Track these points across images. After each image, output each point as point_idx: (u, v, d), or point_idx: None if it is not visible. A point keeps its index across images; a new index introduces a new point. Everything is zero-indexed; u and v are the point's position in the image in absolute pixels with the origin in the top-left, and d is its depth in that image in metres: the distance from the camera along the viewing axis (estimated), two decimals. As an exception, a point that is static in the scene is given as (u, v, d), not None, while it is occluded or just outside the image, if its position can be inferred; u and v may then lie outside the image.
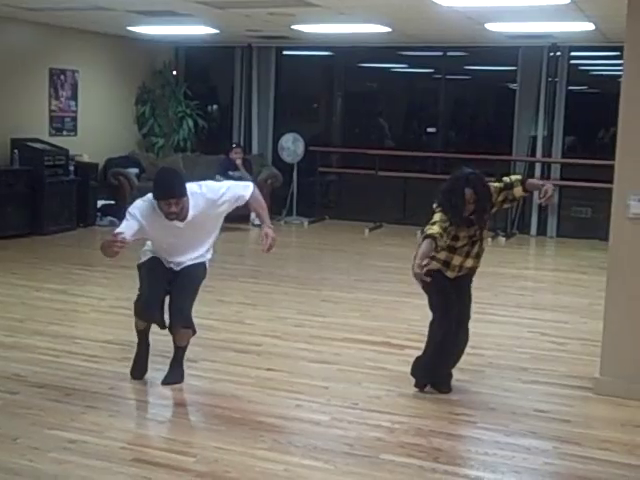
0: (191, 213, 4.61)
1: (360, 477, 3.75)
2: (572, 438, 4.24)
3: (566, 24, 8.83)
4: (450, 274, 4.72)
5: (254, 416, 4.41)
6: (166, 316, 4.77)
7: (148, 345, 4.93)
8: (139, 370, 4.91)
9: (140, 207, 4.62)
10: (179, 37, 11.61)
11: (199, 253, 4.85)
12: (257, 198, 4.83)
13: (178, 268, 4.80)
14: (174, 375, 4.83)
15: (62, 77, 10.97)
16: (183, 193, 4.53)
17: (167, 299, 4.79)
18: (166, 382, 4.79)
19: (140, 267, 4.87)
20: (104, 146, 11.33)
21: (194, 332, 4.84)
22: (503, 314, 6.79)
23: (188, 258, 4.80)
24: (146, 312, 4.74)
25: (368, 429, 4.29)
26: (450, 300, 4.73)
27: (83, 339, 5.75)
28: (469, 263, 4.75)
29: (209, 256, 4.94)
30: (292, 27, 9.85)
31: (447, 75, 12.13)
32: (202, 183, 4.76)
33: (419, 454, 3.99)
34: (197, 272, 4.83)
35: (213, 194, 4.69)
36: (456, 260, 4.70)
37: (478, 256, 4.79)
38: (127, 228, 4.52)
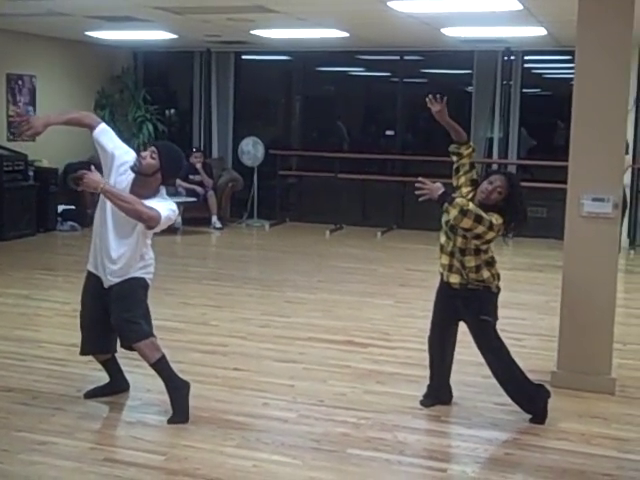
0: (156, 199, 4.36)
1: (328, 471, 3.84)
2: (531, 429, 4.38)
3: (519, 29, 9.03)
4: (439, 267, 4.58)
5: (222, 415, 4.49)
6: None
7: (114, 374, 4.76)
8: (94, 391, 4.76)
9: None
10: (138, 42, 11.61)
11: (121, 254, 4.40)
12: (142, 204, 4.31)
13: (107, 281, 4.46)
14: (174, 414, 4.41)
15: (19, 82, 10.91)
16: (167, 159, 4.34)
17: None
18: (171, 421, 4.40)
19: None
20: (63, 151, 11.27)
21: (146, 337, 4.40)
22: (463, 312, 6.92)
23: (112, 255, 4.39)
24: (86, 351, 4.66)
25: (334, 425, 4.39)
26: (435, 301, 4.74)
27: (48, 343, 5.77)
28: (443, 259, 4.51)
29: (143, 273, 4.50)
30: (251, 32, 9.92)
31: (404, 79, 12.28)
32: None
33: (385, 448, 4.10)
34: (127, 286, 4.44)
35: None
36: (441, 238, 4.52)
37: (452, 255, 4.44)
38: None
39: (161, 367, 4.43)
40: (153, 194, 4.36)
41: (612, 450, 4.14)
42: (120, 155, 4.41)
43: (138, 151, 4.50)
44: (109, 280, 4.44)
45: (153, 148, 4.38)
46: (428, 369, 4.78)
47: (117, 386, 4.78)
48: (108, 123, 12.99)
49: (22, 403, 4.61)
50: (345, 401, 4.76)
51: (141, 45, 12.13)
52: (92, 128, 4.47)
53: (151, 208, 4.22)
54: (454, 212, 4.19)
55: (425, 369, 5.10)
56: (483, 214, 4.21)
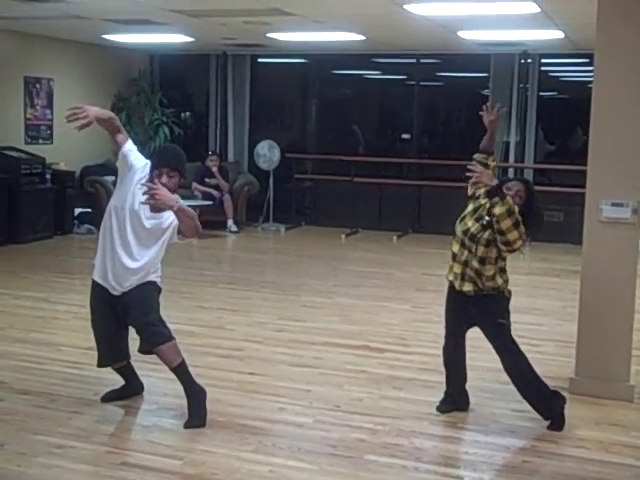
0: (167, 215, 4.37)
1: (344, 477, 3.83)
2: (549, 437, 4.35)
3: (536, 32, 9.00)
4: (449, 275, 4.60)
5: (238, 419, 4.48)
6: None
7: (129, 377, 4.78)
8: (110, 394, 4.75)
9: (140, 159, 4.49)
10: (154, 45, 11.66)
11: (142, 265, 4.43)
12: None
13: (120, 290, 4.47)
14: (191, 418, 4.41)
15: (37, 85, 10.98)
16: (180, 164, 4.40)
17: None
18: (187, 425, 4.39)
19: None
20: (80, 154, 11.35)
21: (169, 340, 4.40)
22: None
23: (132, 266, 4.42)
24: (105, 363, 4.69)
25: (351, 430, 4.37)
26: (447, 310, 4.70)
27: (65, 346, 5.79)
28: (455, 268, 4.50)
29: (155, 277, 4.55)
30: (267, 35, 9.94)
31: (420, 82, 12.27)
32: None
33: (401, 454, 4.08)
34: (144, 290, 4.45)
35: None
36: (454, 247, 4.52)
37: (466, 264, 4.43)
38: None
39: (182, 371, 4.43)
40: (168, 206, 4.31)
41: (630, 458, 4.11)
42: (140, 168, 4.45)
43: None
44: (124, 288, 4.44)
45: (165, 169, 4.35)
46: (444, 376, 4.75)
47: (133, 389, 4.80)
48: (125, 126, 13.05)
49: (40, 406, 4.62)
50: (361, 406, 4.75)
51: (158, 48, 12.18)
52: (122, 140, 4.47)
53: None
54: (502, 209, 4.16)
55: (441, 374, 5.07)
56: (520, 222, 4.20)
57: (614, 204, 4.87)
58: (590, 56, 4.93)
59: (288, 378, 5.23)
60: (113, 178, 11.47)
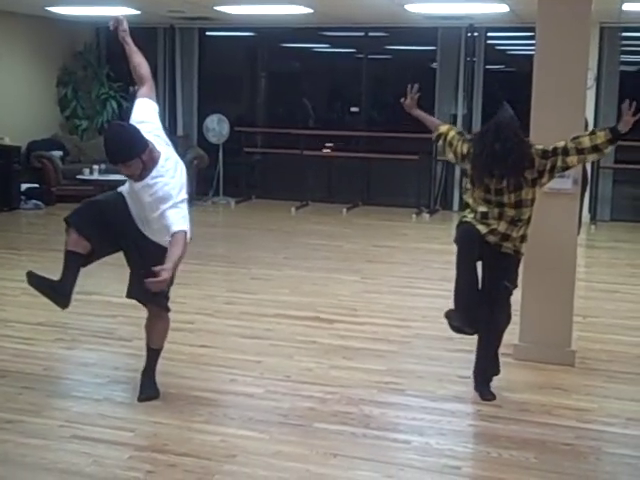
0: (152, 176, 4.05)
1: (295, 445, 3.90)
2: (493, 402, 4.47)
3: (482, 5, 9.09)
4: (481, 228, 4.39)
5: (189, 391, 4.52)
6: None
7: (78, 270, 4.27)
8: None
9: None
10: (100, 18, 11.44)
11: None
12: (177, 241, 3.98)
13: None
14: (150, 388, 4.43)
15: (-20, 59, 10.77)
16: (127, 157, 3.96)
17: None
18: (144, 397, 4.38)
19: None
20: (26, 129, 11.17)
21: (158, 305, 4.37)
22: (429, 287, 7.02)
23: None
24: (77, 224, 4.19)
25: (301, 400, 4.45)
26: (466, 250, 4.44)
27: (15, 322, 5.76)
28: (501, 226, 4.37)
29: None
30: (215, 8, 9.87)
31: (369, 55, 12.30)
32: (178, 171, 4.16)
33: (351, 421, 4.17)
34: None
35: (166, 192, 4.05)
36: (484, 208, 4.40)
37: (513, 222, 4.37)
38: None
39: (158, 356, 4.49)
40: (149, 171, 4.06)
41: (572, 420, 4.25)
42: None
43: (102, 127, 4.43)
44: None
45: (119, 165, 4.03)
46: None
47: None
48: (70, 100, 12.77)
49: (-11, 382, 4.61)
50: (311, 376, 4.82)
51: (103, 21, 11.82)
52: (141, 86, 4.45)
53: (177, 241, 3.95)
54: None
55: (390, 344, 5.19)
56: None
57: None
58: (534, 29, 5.02)
59: (239, 350, 5.28)
60: (60, 153, 11.39)
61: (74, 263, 4.22)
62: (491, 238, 4.40)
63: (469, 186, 4.50)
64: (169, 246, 3.96)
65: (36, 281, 4.23)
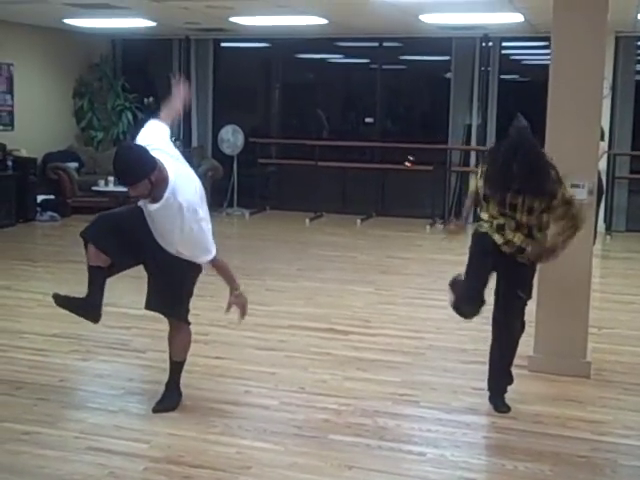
0: (166, 196, 4.01)
1: (309, 457, 3.90)
2: (509, 413, 4.45)
3: (497, 15, 9.08)
4: (497, 238, 4.40)
5: (205, 403, 4.53)
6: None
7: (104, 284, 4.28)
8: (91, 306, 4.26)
9: None
10: (116, 30, 11.57)
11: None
12: (220, 264, 4.29)
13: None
14: (168, 399, 4.45)
15: (-3, 71, 10.87)
16: (134, 180, 3.93)
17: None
18: (158, 407, 4.40)
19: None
20: (42, 140, 11.26)
21: (179, 319, 4.46)
22: (443, 299, 6.91)
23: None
24: (94, 239, 4.17)
25: (316, 411, 4.44)
26: (480, 264, 4.47)
27: (30, 333, 5.78)
28: (517, 238, 4.36)
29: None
30: (230, 19, 9.92)
31: (383, 65, 12.33)
32: (196, 189, 4.18)
33: (365, 433, 4.16)
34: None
35: (190, 210, 4.08)
36: (502, 220, 4.39)
37: (531, 235, 4.37)
38: None
39: (181, 368, 4.51)
40: (162, 191, 4.02)
41: (587, 432, 4.22)
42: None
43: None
44: None
45: (127, 187, 4.02)
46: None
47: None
48: (86, 112, 12.81)
49: (5, 394, 4.63)
50: (326, 388, 4.82)
51: (119, 33, 12.09)
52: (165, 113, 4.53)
53: (222, 266, 4.35)
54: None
55: (405, 355, 5.18)
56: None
57: (572, 185, 4.96)
58: (550, 39, 5.02)
59: (254, 361, 5.29)
60: (76, 164, 11.46)
61: (98, 277, 4.23)
62: (506, 249, 4.39)
63: (483, 203, 4.49)
64: (221, 273, 4.33)
65: (63, 302, 4.26)
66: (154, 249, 4.20)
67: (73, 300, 4.24)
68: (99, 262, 4.18)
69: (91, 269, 4.21)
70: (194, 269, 4.28)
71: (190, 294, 4.33)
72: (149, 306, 4.40)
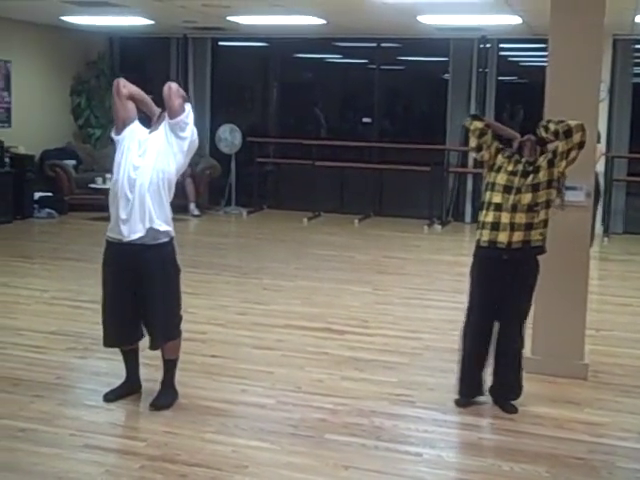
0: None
1: (305, 456, 3.90)
2: (505, 414, 4.45)
3: (495, 17, 9.09)
4: (502, 238, 4.33)
5: (201, 401, 4.53)
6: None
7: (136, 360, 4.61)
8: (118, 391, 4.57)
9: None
10: (113, 27, 11.56)
11: (152, 220, 4.30)
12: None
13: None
14: (164, 396, 4.47)
15: (-6, 68, 10.85)
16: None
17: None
18: (154, 405, 4.42)
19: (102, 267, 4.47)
20: (40, 137, 11.24)
21: (178, 335, 4.50)
22: (440, 299, 7.01)
23: (141, 228, 4.27)
24: (114, 343, 4.56)
25: (312, 411, 4.44)
26: (480, 284, 4.49)
27: (27, 330, 5.77)
28: (504, 218, 4.32)
29: (166, 228, 4.38)
30: (228, 18, 9.91)
31: (381, 66, 12.33)
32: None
33: (361, 433, 4.16)
34: (161, 269, 4.39)
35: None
36: (494, 197, 4.36)
37: (517, 209, 4.32)
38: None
39: (175, 365, 4.55)
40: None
41: (584, 434, 4.22)
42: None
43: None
44: None
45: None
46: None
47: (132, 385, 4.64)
48: (84, 109, 12.80)
49: (2, 391, 4.62)
50: (322, 387, 4.82)
51: (117, 31, 12.07)
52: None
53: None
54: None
55: (401, 355, 5.17)
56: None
57: (568, 188, 4.96)
58: (547, 41, 5.02)
59: (250, 360, 5.28)
60: (74, 162, 11.44)
61: (131, 356, 4.59)
62: (509, 249, 4.37)
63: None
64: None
65: (114, 397, 4.51)
66: (144, 269, 4.32)
67: (120, 390, 4.56)
68: (128, 347, 4.55)
69: (123, 353, 4.59)
70: (177, 271, 4.54)
71: (180, 304, 4.53)
72: (155, 343, 4.44)
